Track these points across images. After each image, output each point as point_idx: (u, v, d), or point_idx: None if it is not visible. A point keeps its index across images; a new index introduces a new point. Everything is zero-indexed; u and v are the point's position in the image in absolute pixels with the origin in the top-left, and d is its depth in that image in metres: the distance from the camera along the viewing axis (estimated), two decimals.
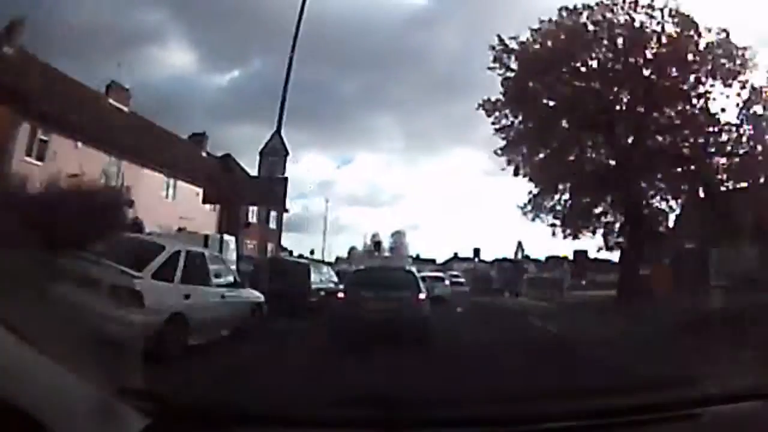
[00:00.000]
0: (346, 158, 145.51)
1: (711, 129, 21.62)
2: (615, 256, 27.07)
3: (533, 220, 25.63)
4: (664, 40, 21.69)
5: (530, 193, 25.37)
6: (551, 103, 23.36)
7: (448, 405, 2.12)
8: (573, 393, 2.47)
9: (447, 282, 27.06)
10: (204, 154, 34.89)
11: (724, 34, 21.62)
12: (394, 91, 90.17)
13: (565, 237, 25.24)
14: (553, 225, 25.05)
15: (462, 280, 34.35)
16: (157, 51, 73.23)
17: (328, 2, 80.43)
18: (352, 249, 70.40)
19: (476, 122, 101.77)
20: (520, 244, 64.17)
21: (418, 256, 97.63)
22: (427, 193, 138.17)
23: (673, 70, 21.74)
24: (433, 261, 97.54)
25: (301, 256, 36.47)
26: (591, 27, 22.33)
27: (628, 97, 22.49)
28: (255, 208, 30.36)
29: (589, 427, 1.82)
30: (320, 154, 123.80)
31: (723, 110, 21.67)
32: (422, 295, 10.36)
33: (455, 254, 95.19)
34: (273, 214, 28.97)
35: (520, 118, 23.76)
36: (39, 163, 18.62)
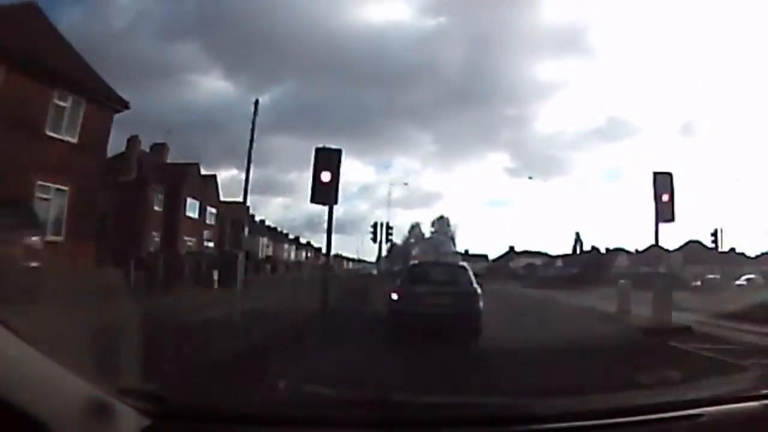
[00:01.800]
0: (385, 163, 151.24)
1: None
2: None
3: None
4: None
5: None
6: None
7: (447, 404, 2.14)
8: (573, 393, 2.43)
9: None
10: None
11: None
12: (419, 102, 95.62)
13: None
14: None
15: None
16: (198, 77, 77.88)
17: (351, 30, 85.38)
18: (392, 246, 61.53)
19: (497, 127, 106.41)
20: (578, 236, 61.40)
21: (467, 251, 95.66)
22: (464, 193, 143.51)
23: None
24: (485, 257, 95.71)
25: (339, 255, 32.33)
26: None
27: None
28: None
29: (589, 427, 1.79)
30: (360, 161, 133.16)
31: None
32: (478, 290, 10.47)
33: (511, 248, 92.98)
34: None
35: None
36: None
